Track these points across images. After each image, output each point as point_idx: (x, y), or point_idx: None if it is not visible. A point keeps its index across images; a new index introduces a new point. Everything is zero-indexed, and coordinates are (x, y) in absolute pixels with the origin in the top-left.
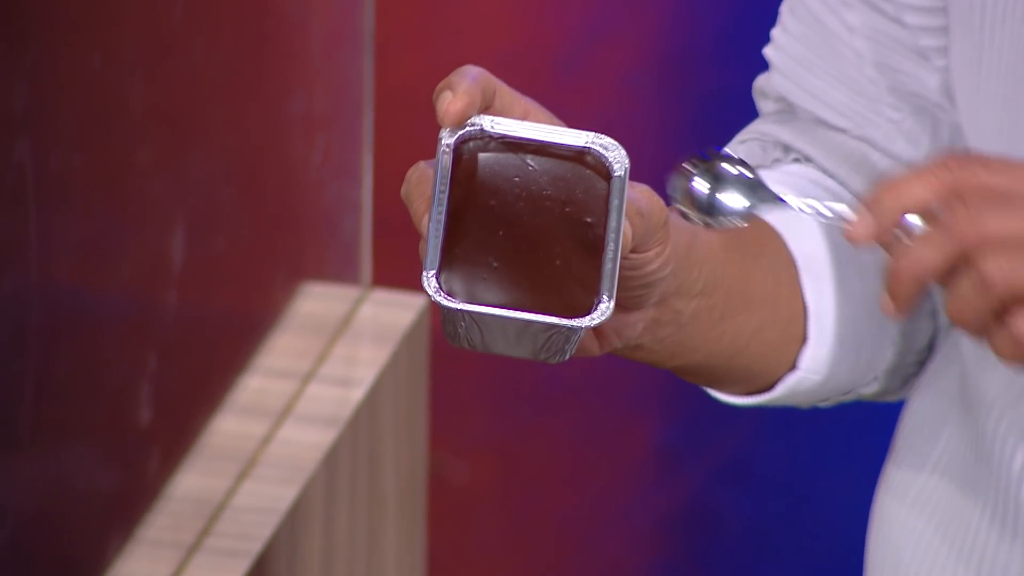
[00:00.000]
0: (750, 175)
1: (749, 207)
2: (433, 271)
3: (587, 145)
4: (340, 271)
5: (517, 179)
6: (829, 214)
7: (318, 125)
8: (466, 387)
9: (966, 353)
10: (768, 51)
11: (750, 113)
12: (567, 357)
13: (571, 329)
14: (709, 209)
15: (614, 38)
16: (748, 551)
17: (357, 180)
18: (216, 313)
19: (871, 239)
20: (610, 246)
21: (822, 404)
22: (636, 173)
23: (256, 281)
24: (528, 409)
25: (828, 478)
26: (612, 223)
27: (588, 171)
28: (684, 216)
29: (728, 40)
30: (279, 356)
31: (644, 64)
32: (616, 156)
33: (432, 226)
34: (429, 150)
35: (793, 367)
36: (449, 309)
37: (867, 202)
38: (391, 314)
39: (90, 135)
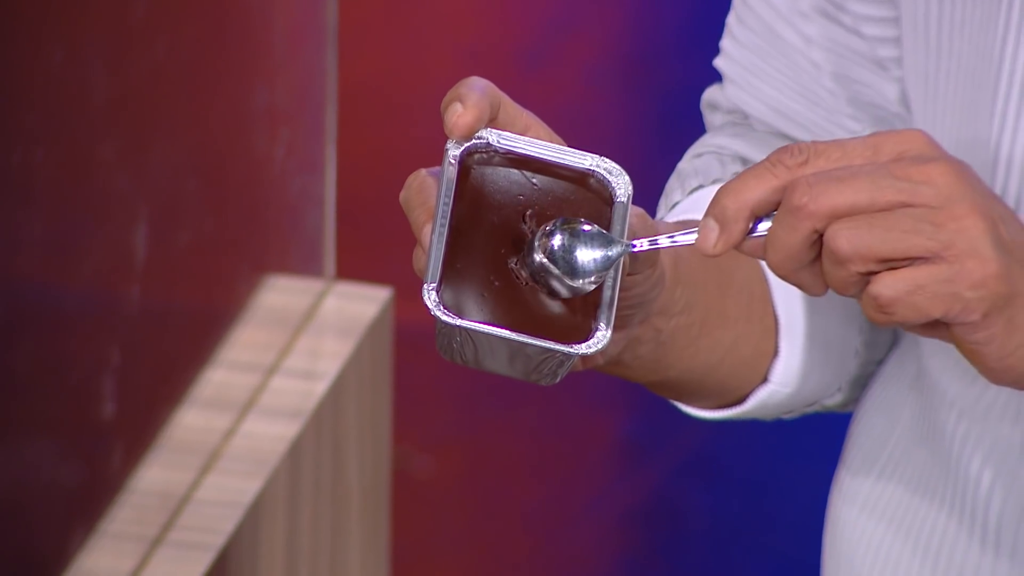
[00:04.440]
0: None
1: (603, 260)
2: (434, 284)
3: (591, 168)
4: (303, 264)
5: (521, 197)
6: (690, 239)
7: (281, 119)
8: (430, 381)
9: (924, 350)
10: (719, 63)
11: None
12: (558, 379)
13: (566, 354)
14: (571, 271)
15: (579, 33)
16: (711, 545)
17: (320, 174)
18: (179, 307)
19: (723, 246)
20: (610, 274)
21: (786, 416)
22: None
23: (219, 275)
24: (492, 403)
25: (791, 473)
26: None
27: (591, 194)
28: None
29: (692, 35)
30: (242, 349)
31: (608, 59)
32: (620, 182)
33: (435, 239)
34: (392, 144)
35: (764, 380)
36: (447, 324)
37: (710, 210)
38: (355, 307)
39: (52, 130)
